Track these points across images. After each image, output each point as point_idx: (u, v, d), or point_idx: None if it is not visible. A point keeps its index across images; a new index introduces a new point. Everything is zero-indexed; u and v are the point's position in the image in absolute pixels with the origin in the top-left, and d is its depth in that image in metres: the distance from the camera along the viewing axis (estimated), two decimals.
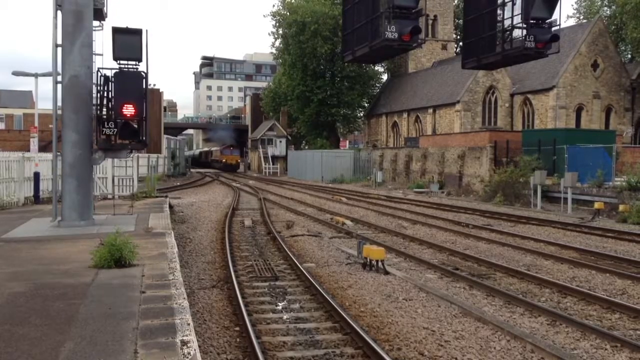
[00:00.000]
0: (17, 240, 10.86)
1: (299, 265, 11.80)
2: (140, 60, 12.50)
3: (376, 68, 68.64)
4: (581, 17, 60.69)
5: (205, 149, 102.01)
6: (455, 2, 68.21)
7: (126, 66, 12.50)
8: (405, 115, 60.53)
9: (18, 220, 13.85)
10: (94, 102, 12.79)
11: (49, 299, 6.50)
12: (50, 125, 24.13)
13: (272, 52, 71.23)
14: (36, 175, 18.63)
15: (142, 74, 12.41)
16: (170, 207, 20.09)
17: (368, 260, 12.02)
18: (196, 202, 27.61)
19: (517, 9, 13.61)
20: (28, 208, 17.36)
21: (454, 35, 68.21)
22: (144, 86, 12.39)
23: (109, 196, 20.95)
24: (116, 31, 12.43)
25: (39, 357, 4.68)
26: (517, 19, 13.72)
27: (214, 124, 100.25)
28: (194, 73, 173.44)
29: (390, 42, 12.43)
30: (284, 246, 14.41)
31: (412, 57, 64.81)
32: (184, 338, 5.10)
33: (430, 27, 64.75)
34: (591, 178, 24.90)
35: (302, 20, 58.68)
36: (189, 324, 5.53)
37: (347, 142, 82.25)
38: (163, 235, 11.61)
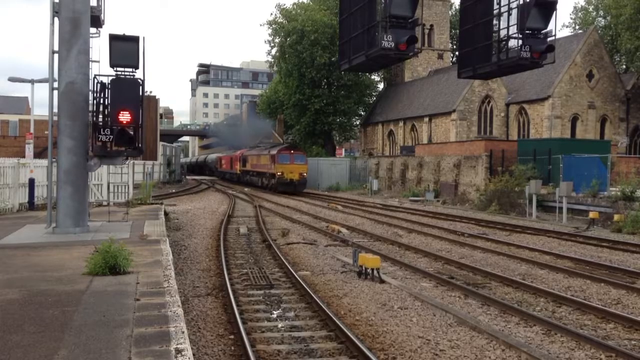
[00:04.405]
0: (11, 247, 10.80)
1: (294, 273, 11.78)
2: (136, 67, 12.54)
3: (372, 77, 68.86)
4: (576, 28, 61.18)
5: (229, 152, 65.45)
6: (452, 12, 68.75)
7: (122, 73, 12.53)
8: (401, 123, 60.71)
9: (12, 227, 13.77)
10: (90, 108, 12.78)
11: (43, 306, 6.46)
12: (45, 132, 24.08)
13: (267, 61, 71.14)
14: (31, 182, 18.54)
15: (139, 81, 12.44)
16: (166, 214, 20.03)
17: (363, 268, 12.00)
18: (191, 210, 27.53)
19: (513, 19, 13.72)
20: (22, 214, 17.28)
21: (450, 45, 68.67)
22: (140, 93, 12.40)
23: (104, 203, 20.94)
24: (113, 38, 12.48)
25: None
26: (513, 29, 13.83)
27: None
28: (191, 80, 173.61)
29: (387, 51, 12.51)
30: (279, 254, 14.38)
31: (408, 66, 65.19)
32: (179, 346, 5.07)
33: (426, 36, 65.17)
34: (586, 188, 24.99)
35: (301, 29, 58.63)
36: (183, 332, 5.51)
37: (343, 150, 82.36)
38: (158, 242, 11.57)
